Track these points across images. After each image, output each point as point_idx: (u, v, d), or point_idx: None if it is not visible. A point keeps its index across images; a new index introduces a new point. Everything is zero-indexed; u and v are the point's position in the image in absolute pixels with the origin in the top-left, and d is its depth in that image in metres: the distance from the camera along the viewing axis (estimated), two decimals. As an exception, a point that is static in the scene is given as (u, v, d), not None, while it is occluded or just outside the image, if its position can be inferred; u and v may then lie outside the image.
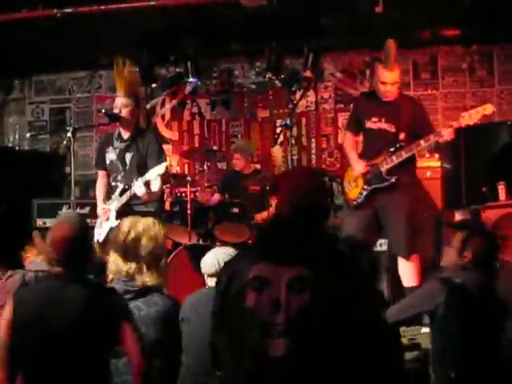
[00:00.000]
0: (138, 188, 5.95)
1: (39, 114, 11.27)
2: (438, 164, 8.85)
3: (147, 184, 5.94)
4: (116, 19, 8.42)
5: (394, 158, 6.16)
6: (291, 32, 8.88)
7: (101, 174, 6.78)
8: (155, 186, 6.18)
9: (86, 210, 8.10)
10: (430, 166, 9.40)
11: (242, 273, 2.86)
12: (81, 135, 9.83)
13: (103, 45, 9.45)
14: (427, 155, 8.13)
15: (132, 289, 4.17)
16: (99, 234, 6.46)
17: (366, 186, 6.28)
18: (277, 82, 9.92)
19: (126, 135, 6.50)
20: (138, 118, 6.76)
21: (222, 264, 4.61)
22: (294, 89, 9.55)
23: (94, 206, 7.73)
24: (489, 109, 6.10)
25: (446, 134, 6.10)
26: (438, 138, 6.10)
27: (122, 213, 6.32)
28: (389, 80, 6.28)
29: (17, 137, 11.12)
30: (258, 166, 9.84)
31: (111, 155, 6.55)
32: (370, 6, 7.59)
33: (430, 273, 8.16)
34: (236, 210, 8.06)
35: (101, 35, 9.04)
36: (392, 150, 6.18)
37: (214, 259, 4.85)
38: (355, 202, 6.34)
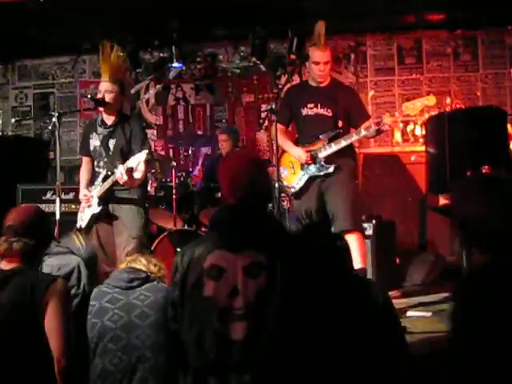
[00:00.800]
0: (120, 175, 5.92)
1: (23, 100, 11.21)
2: (423, 148, 8.89)
3: (129, 171, 5.90)
4: (100, 3, 8.36)
5: (332, 145, 6.16)
6: (275, 16, 8.85)
7: (85, 160, 6.73)
8: (138, 174, 6.16)
9: (71, 195, 8.08)
10: (415, 150, 9.46)
11: (197, 262, 2.95)
12: (65, 120, 9.77)
13: (87, 30, 9.39)
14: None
15: (138, 276, 4.22)
16: (81, 220, 6.44)
17: (303, 173, 6.27)
18: (261, 66, 9.91)
19: (109, 121, 6.45)
20: (122, 104, 6.71)
21: None
22: (278, 73, 9.55)
23: (78, 192, 7.69)
24: (431, 100, 6.15)
25: (388, 122, 6.13)
26: (379, 127, 6.13)
27: (104, 199, 6.32)
28: (321, 59, 6.32)
29: (0, 122, 11.07)
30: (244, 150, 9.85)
31: (95, 141, 6.50)
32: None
33: (415, 256, 8.24)
34: (220, 194, 8.07)
35: (85, 20, 8.98)
36: (330, 136, 6.19)
37: None
38: (293, 189, 6.33)
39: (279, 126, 6.27)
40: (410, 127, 9.78)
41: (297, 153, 6.25)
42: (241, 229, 3.03)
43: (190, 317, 2.97)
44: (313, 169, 6.22)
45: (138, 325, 4.01)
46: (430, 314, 5.96)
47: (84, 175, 6.70)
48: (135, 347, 3.95)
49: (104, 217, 6.36)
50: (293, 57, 6.31)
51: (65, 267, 4.69)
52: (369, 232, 7.46)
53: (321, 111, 6.29)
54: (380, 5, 8.47)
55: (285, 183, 6.42)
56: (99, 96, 6.36)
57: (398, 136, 9.78)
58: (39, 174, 9.44)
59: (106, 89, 6.35)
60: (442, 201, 8.05)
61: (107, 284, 4.24)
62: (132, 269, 4.29)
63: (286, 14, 8.47)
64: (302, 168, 6.28)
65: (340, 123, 6.26)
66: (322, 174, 6.18)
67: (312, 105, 6.27)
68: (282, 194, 8.59)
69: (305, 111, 6.33)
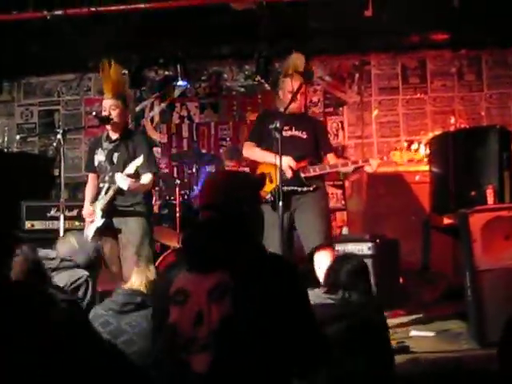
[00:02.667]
0: (122, 181, 5.93)
1: (28, 117, 11.25)
2: (427, 168, 8.88)
3: (130, 176, 5.91)
4: (105, 22, 8.41)
5: (316, 168, 6.27)
6: (280, 35, 8.89)
7: (90, 176, 6.75)
8: (144, 180, 6.19)
9: (75, 212, 8.07)
10: (419, 170, 9.43)
11: (166, 286, 2.69)
12: (70, 137, 9.78)
13: (92, 47, 9.43)
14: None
15: (133, 301, 4.16)
16: (87, 236, 6.44)
17: (283, 184, 6.03)
18: (266, 85, 9.93)
19: (114, 136, 6.47)
20: (126, 119, 6.74)
21: None
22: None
23: (82, 209, 7.73)
24: (418, 156, 6.31)
25: (373, 165, 6.43)
26: (364, 165, 6.41)
27: (107, 211, 6.32)
28: (294, 85, 6.35)
29: (6, 139, 11.09)
30: (247, 170, 9.85)
31: (100, 157, 6.52)
32: (359, 10, 7.60)
33: (418, 275, 8.21)
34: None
35: (90, 38, 9.03)
36: (311, 159, 6.33)
37: None
38: (268, 197, 6.24)
39: (251, 144, 6.50)
40: (414, 146, 9.75)
41: (286, 160, 6.13)
42: (207, 247, 2.73)
43: (159, 345, 2.76)
44: (292, 182, 6.24)
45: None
46: (433, 333, 5.94)
47: (89, 191, 6.71)
48: None
49: (108, 231, 6.37)
50: (259, 78, 6.39)
51: (75, 282, 4.74)
52: (372, 251, 7.45)
53: (296, 133, 6.39)
54: (384, 24, 8.49)
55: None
56: (104, 113, 6.38)
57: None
58: (43, 191, 9.45)
59: (110, 105, 6.38)
60: (446, 220, 8.03)
61: (103, 305, 4.22)
62: (130, 291, 4.22)
63: (290, 33, 8.52)
64: (285, 182, 6.15)
65: (321, 152, 6.52)
66: (300, 190, 6.25)
67: (287, 127, 6.27)
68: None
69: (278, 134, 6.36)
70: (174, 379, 2.64)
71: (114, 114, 6.36)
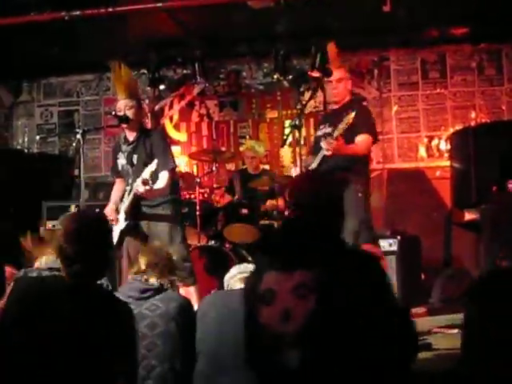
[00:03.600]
0: (137, 187, 5.94)
1: (48, 117, 11.30)
2: (448, 163, 8.85)
3: (145, 182, 5.89)
4: (123, 21, 8.43)
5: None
6: (298, 32, 8.87)
7: (116, 181, 6.86)
8: (159, 183, 6.17)
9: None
10: (440, 165, 9.41)
11: (255, 287, 2.65)
12: (89, 138, 9.80)
13: (111, 47, 9.46)
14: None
15: (151, 287, 4.26)
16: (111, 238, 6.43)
17: None
18: (285, 82, 9.90)
19: (131, 137, 6.49)
20: (142, 118, 6.75)
21: None
22: (302, 89, 9.54)
23: (102, 209, 7.74)
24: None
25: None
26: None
27: (130, 214, 6.33)
28: (333, 77, 6.32)
29: (26, 139, 11.16)
30: (267, 167, 9.85)
31: (122, 160, 6.57)
32: (377, 5, 7.56)
33: (440, 271, 8.17)
34: (245, 210, 8.07)
35: (108, 38, 9.05)
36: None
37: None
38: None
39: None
40: (434, 142, 9.73)
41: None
42: (289, 247, 2.68)
43: (255, 345, 2.69)
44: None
45: (146, 334, 4.06)
46: (455, 330, 5.89)
47: (113, 195, 6.77)
48: (142, 356, 3.98)
49: (133, 233, 6.38)
50: (316, 73, 6.23)
51: None
52: (394, 248, 7.43)
53: (328, 130, 6.25)
54: (403, 20, 8.44)
55: None
56: (120, 114, 6.38)
57: (422, 151, 9.73)
58: (64, 191, 9.49)
59: (125, 105, 6.39)
60: (468, 216, 8.00)
61: (122, 294, 4.26)
62: (145, 280, 4.33)
63: (308, 30, 8.49)
64: None
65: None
66: None
67: (322, 126, 6.30)
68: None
69: (317, 133, 6.42)
70: (266, 376, 2.64)
71: (130, 114, 6.37)
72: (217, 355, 4.10)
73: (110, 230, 4.06)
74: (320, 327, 2.49)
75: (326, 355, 2.50)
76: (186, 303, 4.39)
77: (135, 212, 6.32)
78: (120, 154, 6.61)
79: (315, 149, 6.39)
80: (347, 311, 2.50)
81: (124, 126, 6.46)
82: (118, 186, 6.76)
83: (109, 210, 6.57)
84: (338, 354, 2.48)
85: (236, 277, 4.51)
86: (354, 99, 6.55)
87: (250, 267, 4.56)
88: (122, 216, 6.37)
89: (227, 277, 4.59)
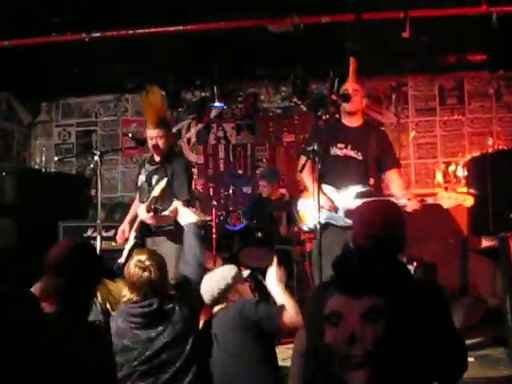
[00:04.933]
0: (141, 214, 5.99)
1: (66, 137, 11.36)
2: (465, 190, 8.81)
3: (148, 210, 5.88)
4: (143, 43, 8.47)
5: (357, 201, 5.64)
6: (317, 56, 8.89)
7: (136, 197, 6.88)
8: (169, 210, 6.17)
9: (111, 232, 8.10)
10: (457, 192, 9.35)
11: (319, 309, 2.85)
12: (106, 158, 9.85)
13: (130, 69, 9.51)
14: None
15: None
16: (122, 256, 6.42)
17: (325, 215, 5.85)
18: (302, 106, 9.93)
19: (157, 158, 6.54)
20: (170, 143, 6.74)
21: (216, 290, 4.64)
22: (319, 113, 9.50)
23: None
24: (468, 201, 5.76)
25: (412, 206, 5.79)
26: (404, 203, 5.71)
27: (139, 232, 6.33)
28: (348, 86, 6.16)
29: (44, 159, 11.20)
30: (284, 191, 9.84)
31: (142, 177, 6.61)
32: (396, 31, 7.57)
33: (456, 299, 8.12)
34: (261, 234, 8.06)
35: (127, 59, 9.11)
36: (358, 190, 5.88)
37: (209, 285, 4.79)
38: (304, 226, 6.08)
39: (309, 162, 6.12)
40: (451, 168, 9.71)
41: (322, 201, 5.70)
42: (361, 272, 2.90)
43: (316, 365, 3.01)
44: (334, 217, 5.92)
45: None
46: (472, 359, 5.84)
47: (131, 211, 6.79)
48: None
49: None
50: (334, 97, 6.18)
51: None
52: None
53: (350, 153, 6.02)
54: (421, 45, 8.45)
55: (301, 219, 6.19)
56: (152, 143, 6.43)
57: (439, 177, 9.71)
58: (80, 211, 9.51)
59: (157, 135, 6.42)
60: (485, 243, 7.96)
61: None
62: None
63: (327, 54, 8.51)
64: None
65: (371, 180, 6.00)
66: (339, 225, 5.87)
67: (342, 145, 6.04)
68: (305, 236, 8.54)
69: (333, 150, 6.08)
70: None
71: (161, 143, 6.41)
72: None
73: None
74: (390, 350, 2.69)
75: (392, 376, 2.71)
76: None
77: (144, 230, 6.32)
78: (142, 170, 6.66)
79: (333, 168, 6.20)
80: (413, 335, 2.80)
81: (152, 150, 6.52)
82: (135, 203, 6.79)
83: (119, 230, 6.64)
84: (403, 375, 2.72)
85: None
86: (369, 122, 6.45)
87: None
88: (131, 235, 6.38)
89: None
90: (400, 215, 3.51)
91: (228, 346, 4.45)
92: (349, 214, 5.77)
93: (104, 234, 7.40)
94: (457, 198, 5.61)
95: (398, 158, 6.45)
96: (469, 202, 5.54)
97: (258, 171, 10.05)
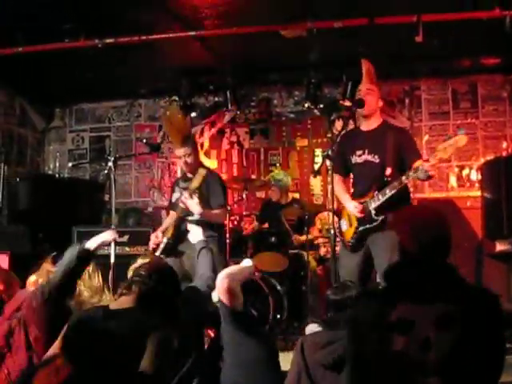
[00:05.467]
0: (193, 206, 6.15)
1: (79, 142, 11.39)
2: (479, 193, 8.80)
3: (191, 194, 6.10)
4: (156, 49, 8.49)
5: (379, 196, 5.85)
6: (330, 61, 8.89)
7: (170, 213, 7.01)
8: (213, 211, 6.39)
9: (125, 238, 8.12)
10: (470, 195, 9.35)
11: (383, 317, 2.96)
12: (120, 163, 9.87)
13: (143, 74, 9.53)
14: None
15: None
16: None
17: (358, 226, 6.03)
18: (315, 111, 9.92)
19: (189, 175, 6.72)
20: (199, 159, 6.98)
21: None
22: (332, 118, 9.52)
23: (132, 234, 7.78)
24: (462, 141, 5.67)
25: (426, 168, 5.66)
26: (418, 175, 5.70)
27: (172, 234, 6.50)
28: (362, 87, 6.17)
29: (57, 164, 11.24)
30: (297, 195, 9.84)
31: (177, 194, 6.78)
32: (409, 35, 7.56)
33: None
34: (274, 239, 8.05)
35: (141, 65, 9.13)
36: (379, 185, 5.89)
37: None
38: (350, 243, 6.05)
39: (336, 176, 6.11)
40: (465, 172, 9.69)
41: (351, 207, 6.00)
42: (427, 281, 3.02)
43: (376, 373, 3.00)
44: (366, 222, 5.96)
45: None
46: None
47: (165, 222, 7.06)
48: None
49: (172, 252, 6.46)
50: (347, 102, 6.17)
51: None
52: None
53: (368, 158, 6.04)
54: (435, 49, 8.43)
55: (344, 238, 6.20)
56: (181, 162, 6.71)
57: (453, 181, 9.68)
58: (94, 216, 9.53)
59: (184, 154, 6.62)
60: (499, 247, 7.93)
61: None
62: None
63: (340, 59, 8.51)
64: (358, 220, 6.04)
65: (388, 170, 5.93)
66: (372, 226, 5.92)
67: (360, 152, 6.07)
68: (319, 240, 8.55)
69: (354, 159, 6.13)
70: None
71: (190, 160, 6.62)
72: None
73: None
74: (463, 355, 2.83)
75: (465, 380, 2.83)
76: None
77: (177, 233, 6.40)
78: (176, 188, 6.85)
79: (356, 176, 6.23)
80: (480, 340, 2.89)
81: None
82: (171, 216, 6.89)
83: (152, 236, 6.75)
84: (472, 379, 2.83)
85: None
86: (386, 123, 6.40)
87: None
88: (164, 239, 6.50)
89: None
90: (446, 219, 3.51)
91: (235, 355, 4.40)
92: (392, 224, 5.76)
93: (117, 240, 7.42)
94: (450, 145, 5.51)
95: (419, 151, 6.35)
96: (462, 140, 5.46)
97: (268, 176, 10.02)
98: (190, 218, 6.31)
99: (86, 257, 4.73)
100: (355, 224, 6.06)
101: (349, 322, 3.22)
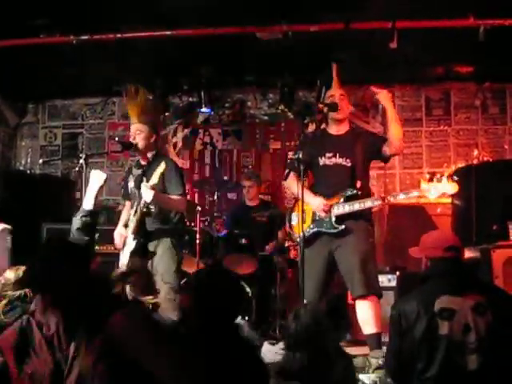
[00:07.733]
0: (146, 192, 5.88)
1: (52, 139, 11.31)
2: (449, 200, 8.83)
3: (153, 187, 5.85)
4: (131, 47, 8.46)
5: (346, 206, 5.86)
6: (304, 65, 8.90)
7: (126, 204, 6.82)
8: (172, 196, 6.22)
9: (96, 236, 8.07)
10: (440, 202, 9.38)
11: (423, 308, 3.73)
12: (92, 161, 9.81)
13: (117, 72, 9.49)
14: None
15: None
16: (122, 261, 6.34)
17: (312, 226, 6.01)
18: (289, 114, 9.93)
19: (143, 162, 6.52)
20: (156, 145, 6.65)
21: None
22: (306, 121, 9.49)
23: (102, 233, 7.73)
24: (453, 189, 5.76)
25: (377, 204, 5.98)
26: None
27: (138, 233, 6.26)
28: (334, 92, 6.22)
29: (29, 160, 11.16)
30: (269, 198, 9.84)
31: (131, 183, 6.58)
32: (384, 41, 7.60)
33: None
34: (244, 241, 8.06)
35: (115, 63, 9.09)
36: (347, 194, 5.90)
37: None
38: (299, 238, 5.89)
39: (292, 173, 6.18)
40: (436, 178, 9.72)
41: (317, 202, 5.94)
42: (460, 276, 3.86)
43: (427, 355, 3.68)
44: (323, 224, 5.95)
45: None
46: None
47: (123, 217, 6.75)
48: None
49: (141, 252, 6.29)
50: (321, 106, 6.19)
51: None
52: (392, 283, 7.40)
53: (339, 161, 6.04)
54: (409, 56, 8.49)
55: (293, 231, 6.25)
56: (131, 139, 6.40)
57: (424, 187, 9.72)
58: (64, 214, 9.46)
59: (135, 129, 6.41)
60: (468, 253, 7.97)
61: None
62: None
63: (314, 63, 8.52)
64: (313, 220, 6.02)
65: (359, 183, 5.99)
66: (330, 232, 5.91)
67: (330, 154, 6.06)
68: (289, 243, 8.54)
69: (322, 160, 6.11)
70: (451, 377, 3.60)
71: (139, 139, 6.37)
72: None
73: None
74: (499, 337, 3.58)
75: (501, 358, 3.56)
76: None
77: (142, 230, 6.28)
78: (130, 176, 6.62)
79: (323, 178, 6.19)
80: (509, 324, 3.65)
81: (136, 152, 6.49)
82: (127, 209, 6.73)
83: (116, 235, 6.58)
84: (508, 357, 3.59)
85: None
86: (354, 129, 6.48)
87: None
88: (130, 237, 6.32)
89: None
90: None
91: None
92: (340, 219, 5.89)
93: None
94: (442, 188, 5.68)
95: (383, 136, 6.46)
96: (453, 188, 5.61)
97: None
98: (146, 210, 6.16)
99: (92, 216, 4.72)
100: (309, 223, 6.03)
101: (395, 315, 3.90)
